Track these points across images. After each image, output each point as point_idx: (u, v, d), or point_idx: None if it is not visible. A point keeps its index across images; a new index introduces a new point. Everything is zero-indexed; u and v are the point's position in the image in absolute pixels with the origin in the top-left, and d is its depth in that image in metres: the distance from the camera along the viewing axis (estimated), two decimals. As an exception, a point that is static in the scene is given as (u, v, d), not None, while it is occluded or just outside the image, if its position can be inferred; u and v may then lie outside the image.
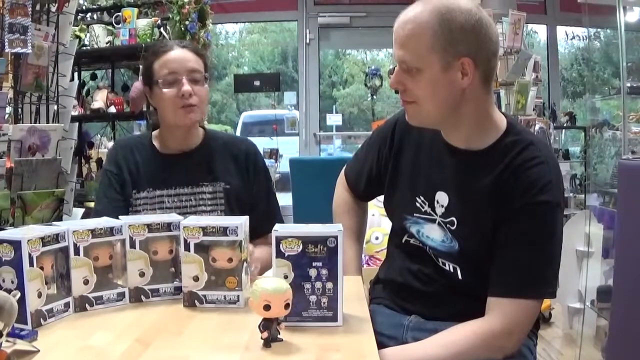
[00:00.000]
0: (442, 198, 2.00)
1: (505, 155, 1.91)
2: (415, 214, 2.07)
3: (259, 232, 2.40)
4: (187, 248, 1.86)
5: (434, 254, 2.04)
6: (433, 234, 2.03)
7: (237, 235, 1.86)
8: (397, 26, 1.90)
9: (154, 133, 2.63)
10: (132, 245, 1.94)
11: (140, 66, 4.74)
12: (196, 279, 1.88)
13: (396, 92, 2.00)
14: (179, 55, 2.48)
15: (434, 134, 2.04)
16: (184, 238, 1.86)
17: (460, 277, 1.98)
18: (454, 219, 1.97)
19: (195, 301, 1.89)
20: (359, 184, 2.36)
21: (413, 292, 2.09)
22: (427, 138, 2.08)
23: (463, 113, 1.91)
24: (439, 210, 2.01)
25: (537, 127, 6.07)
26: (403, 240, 2.13)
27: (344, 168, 2.47)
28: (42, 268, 1.71)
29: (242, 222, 1.89)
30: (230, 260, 1.87)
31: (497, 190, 1.88)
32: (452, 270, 2.00)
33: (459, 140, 1.99)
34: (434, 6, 1.84)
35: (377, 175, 2.25)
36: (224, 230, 1.86)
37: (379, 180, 2.24)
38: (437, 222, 2.01)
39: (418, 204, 2.06)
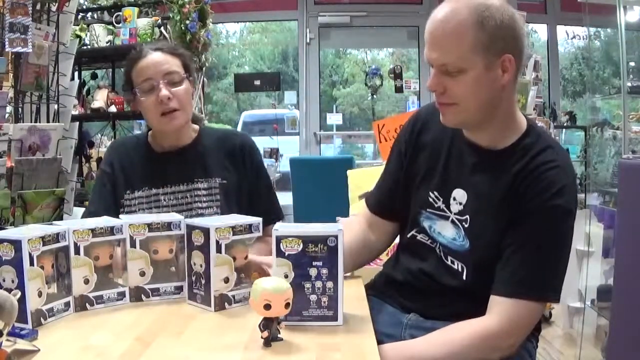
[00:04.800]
0: (459, 195, 1.98)
1: (524, 156, 1.90)
2: (428, 209, 2.05)
3: None
4: (219, 250, 1.86)
5: (444, 252, 2.01)
6: (445, 231, 2.01)
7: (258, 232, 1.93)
8: (432, 27, 1.85)
9: (150, 132, 2.63)
10: (133, 245, 1.94)
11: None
12: (227, 280, 1.88)
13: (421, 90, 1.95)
14: (152, 60, 2.46)
15: (454, 131, 2.03)
16: (216, 240, 1.85)
17: (464, 277, 1.96)
18: (468, 217, 1.95)
19: (225, 303, 1.89)
20: (384, 199, 2.23)
21: (413, 291, 2.08)
22: (446, 135, 2.06)
23: (497, 112, 1.90)
24: (455, 208, 1.99)
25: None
26: (409, 235, 2.11)
27: (365, 201, 2.34)
28: (42, 267, 1.71)
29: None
30: (246, 257, 1.93)
31: (513, 191, 1.87)
32: (459, 269, 1.97)
33: (483, 138, 1.97)
34: (469, 4, 1.81)
35: (404, 176, 2.16)
36: (249, 228, 1.92)
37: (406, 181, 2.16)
38: (450, 219, 2.00)
39: (431, 199, 2.04)
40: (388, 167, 2.25)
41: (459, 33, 1.80)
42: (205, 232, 1.85)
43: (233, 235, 1.87)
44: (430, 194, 2.05)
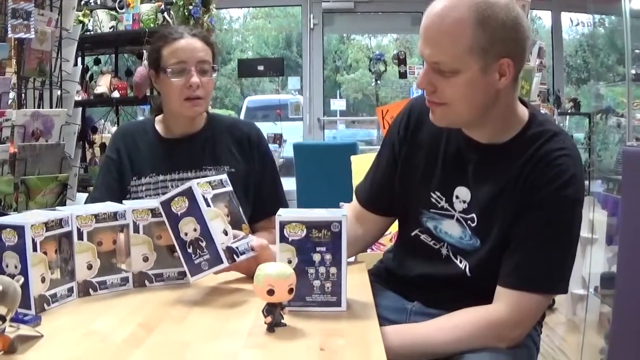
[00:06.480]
0: (463, 193, 1.92)
1: (529, 147, 1.82)
2: (431, 210, 1.99)
3: (264, 214, 2.45)
4: (208, 205, 1.85)
5: (452, 251, 1.96)
6: (452, 231, 1.95)
7: None
8: (428, 21, 1.74)
9: (157, 118, 2.62)
10: (136, 230, 1.94)
11: (144, 51, 4.79)
12: (225, 232, 1.88)
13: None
14: (189, 44, 2.47)
15: (451, 129, 1.95)
16: (202, 195, 1.84)
17: (469, 272, 1.93)
18: (474, 215, 1.90)
19: (234, 255, 1.86)
20: (375, 194, 2.17)
21: (415, 287, 2.06)
22: (443, 131, 1.97)
23: (492, 112, 1.82)
24: (459, 206, 1.93)
25: (541, 113, 6.07)
26: (412, 234, 2.06)
27: (354, 192, 2.27)
28: (45, 253, 1.71)
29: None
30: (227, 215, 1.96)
31: (520, 182, 1.81)
32: (465, 266, 1.94)
33: (482, 135, 1.90)
34: (471, 0, 1.71)
35: (400, 174, 2.10)
36: (221, 182, 1.98)
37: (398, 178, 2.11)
38: (455, 217, 1.94)
39: (433, 200, 1.98)
40: (380, 161, 2.17)
41: (456, 32, 1.70)
42: (189, 193, 1.84)
43: (212, 189, 1.88)
44: (432, 194, 1.98)
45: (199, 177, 2.40)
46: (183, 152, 2.54)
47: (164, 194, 2.37)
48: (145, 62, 4.78)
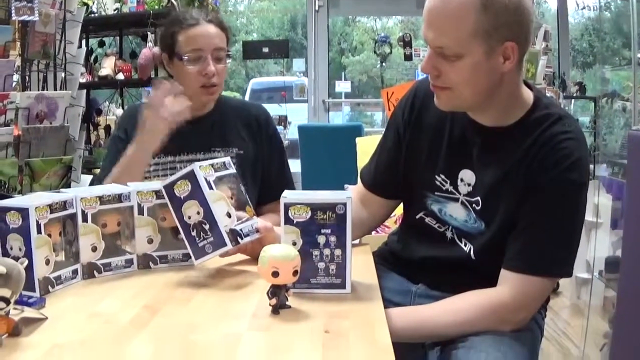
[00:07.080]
0: (467, 176, 1.92)
1: (534, 130, 1.82)
2: (436, 193, 1.99)
3: (271, 196, 2.44)
4: (210, 187, 1.84)
5: (457, 234, 1.97)
6: (456, 213, 1.96)
7: None
8: (431, 5, 1.73)
9: None
10: (141, 212, 1.94)
11: (149, 32, 4.78)
12: (229, 215, 1.87)
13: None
14: (205, 31, 2.47)
15: (455, 112, 1.94)
16: (205, 178, 1.84)
17: (474, 255, 1.93)
18: (479, 198, 1.90)
19: (238, 238, 1.86)
20: (380, 177, 2.17)
21: (419, 269, 2.06)
22: (447, 115, 1.97)
23: (497, 95, 1.82)
24: (464, 189, 1.93)
25: (546, 97, 6.06)
26: (417, 216, 2.06)
27: (359, 175, 2.26)
28: (49, 235, 1.71)
29: None
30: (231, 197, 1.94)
31: (525, 165, 1.81)
32: (469, 249, 1.94)
33: (487, 118, 1.89)
34: None
35: (405, 157, 2.10)
36: (223, 165, 1.97)
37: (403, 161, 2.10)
38: (459, 200, 1.94)
39: (438, 182, 1.98)
40: (385, 144, 2.16)
41: (459, 15, 1.68)
42: (191, 176, 1.83)
43: (215, 172, 1.88)
44: (437, 177, 1.99)
45: (207, 159, 2.40)
46: (192, 133, 2.53)
47: (172, 175, 2.38)
48: (149, 44, 4.78)
